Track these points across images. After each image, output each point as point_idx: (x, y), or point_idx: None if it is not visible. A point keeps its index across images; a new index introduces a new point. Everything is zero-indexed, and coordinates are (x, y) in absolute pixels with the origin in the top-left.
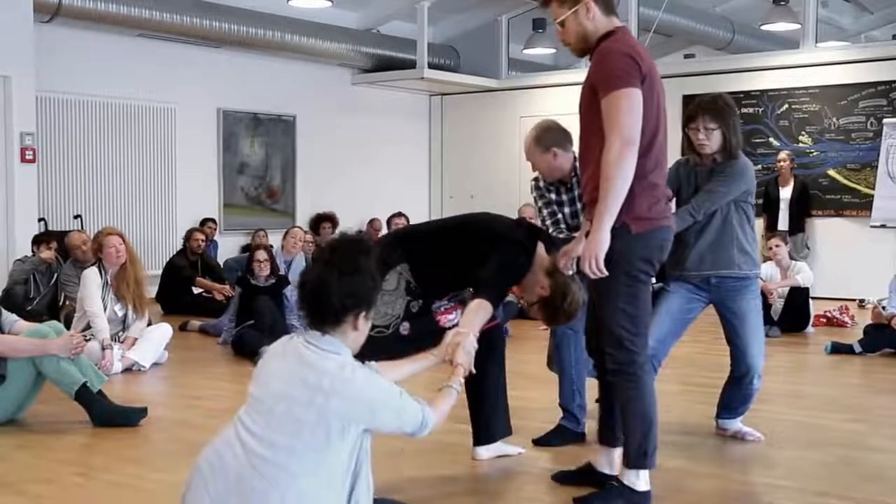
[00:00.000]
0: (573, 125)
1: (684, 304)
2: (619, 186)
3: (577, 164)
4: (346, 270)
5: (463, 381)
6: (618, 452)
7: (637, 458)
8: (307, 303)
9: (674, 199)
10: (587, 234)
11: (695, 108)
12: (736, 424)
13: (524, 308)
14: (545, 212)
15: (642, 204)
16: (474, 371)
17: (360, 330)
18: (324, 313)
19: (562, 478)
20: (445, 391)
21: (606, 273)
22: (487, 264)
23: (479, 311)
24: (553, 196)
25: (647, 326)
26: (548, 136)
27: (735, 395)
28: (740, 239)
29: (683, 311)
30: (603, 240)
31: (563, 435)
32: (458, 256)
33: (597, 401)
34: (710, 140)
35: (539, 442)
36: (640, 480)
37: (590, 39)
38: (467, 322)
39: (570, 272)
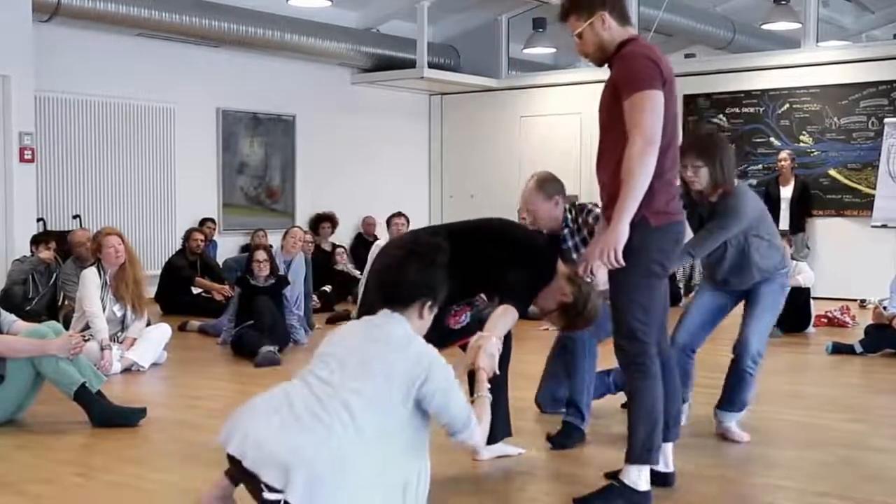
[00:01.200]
0: (572, 124)
1: (716, 300)
2: (641, 182)
3: (581, 206)
4: (426, 262)
5: (489, 384)
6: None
7: (641, 453)
8: (383, 282)
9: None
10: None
11: (684, 144)
12: (728, 422)
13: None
14: None
15: (660, 199)
16: (498, 372)
17: (424, 319)
18: (396, 294)
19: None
20: (478, 401)
21: (623, 264)
22: (514, 271)
23: (504, 317)
24: None
25: (660, 319)
26: (549, 185)
27: (729, 380)
28: (758, 262)
29: (715, 308)
30: (622, 232)
31: (572, 434)
32: (478, 262)
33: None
34: (699, 177)
35: (556, 444)
36: (641, 480)
37: (607, 49)
38: (491, 326)
39: (590, 279)
